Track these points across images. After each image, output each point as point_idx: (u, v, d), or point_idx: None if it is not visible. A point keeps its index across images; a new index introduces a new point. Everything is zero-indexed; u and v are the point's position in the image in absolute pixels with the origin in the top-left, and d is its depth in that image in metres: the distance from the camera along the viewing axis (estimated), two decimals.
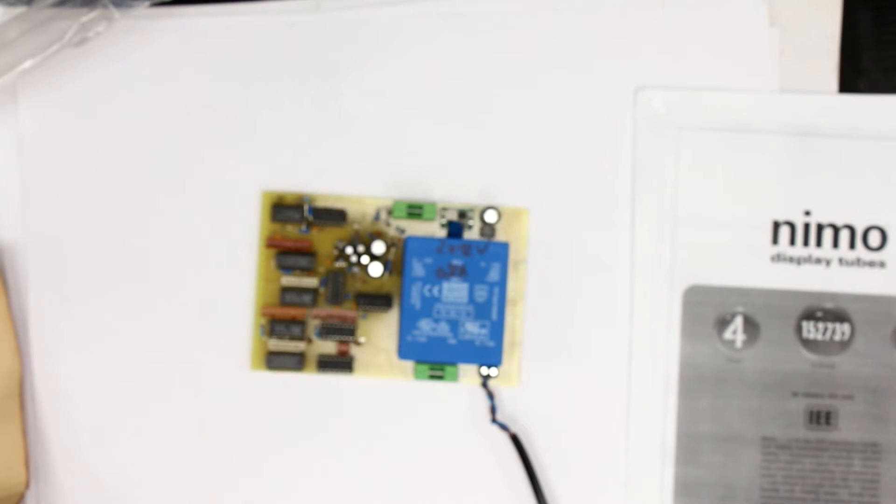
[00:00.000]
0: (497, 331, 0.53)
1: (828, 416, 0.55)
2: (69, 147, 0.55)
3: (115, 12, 0.52)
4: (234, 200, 0.54)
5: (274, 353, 0.54)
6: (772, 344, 0.55)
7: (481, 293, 0.53)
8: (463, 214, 0.55)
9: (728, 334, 0.55)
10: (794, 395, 0.55)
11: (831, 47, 0.55)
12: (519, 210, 0.55)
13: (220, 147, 0.55)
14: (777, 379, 0.55)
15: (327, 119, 0.55)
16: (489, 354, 0.53)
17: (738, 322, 0.55)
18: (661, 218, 0.55)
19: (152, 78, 0.55)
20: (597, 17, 0.55)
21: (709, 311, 0.55)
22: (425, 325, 0.53)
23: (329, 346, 0.54)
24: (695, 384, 0.55)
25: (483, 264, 0.53)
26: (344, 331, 0.54)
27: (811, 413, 0.55)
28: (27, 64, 0.51)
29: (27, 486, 0.54)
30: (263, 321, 0.54)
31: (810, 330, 0.55)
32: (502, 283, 0.53)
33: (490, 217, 0.54)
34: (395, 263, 0.54)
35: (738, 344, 0.55)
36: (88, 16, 0.51)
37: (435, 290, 0.53)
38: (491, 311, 0.53)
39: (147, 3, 0.52)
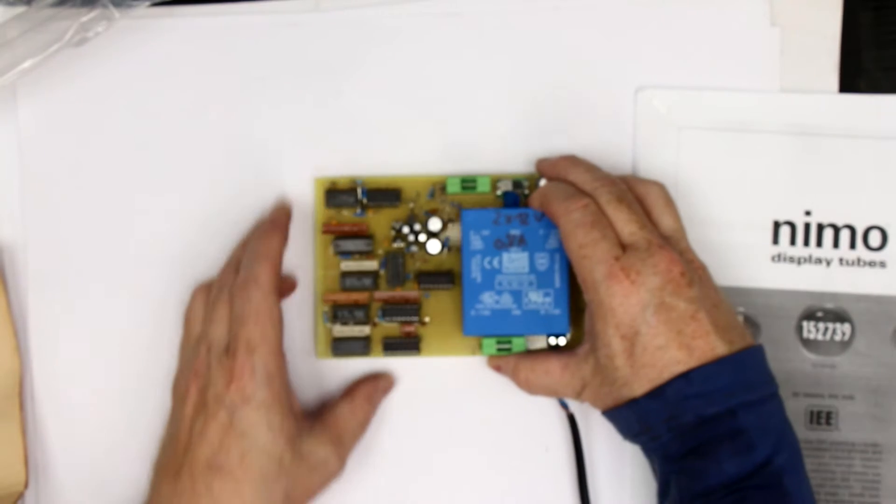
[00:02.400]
0: (562, 298, 0.52)
1: (828, 416, 0.55)
2: (69, 147, 0.55)
3: (115, 12, 0.52)
4: (237, 199, 0.54)
5: (339, 339, 0.53)
6: (772, 344, 0.55)
7: (542, 261, 0.52)
8: (518, 184, 0.54)
9: None
10: (795, 395, 0.55)
11: (832, 47, 0.55)
12: None
13: (220, 146, 0.55)
14: (777, 379, 0.54)
15: (328, 118, 0.55)
16: (555, 323, 0.52)
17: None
18: None
19: (152, 77, 0.54)
20: (597, 17, 0.55)
21: None
22: (488, 298, 0.52)
23: (394, 328, 0.54)
24: None
25: (542, 232, 0.52)
26: (408, 311, 0.53)
27: (812, 413, 0.55)
28: (27, 64, 0.51)
29: (26, 485, 0.54)
30: (326, 308, 0.54)
31: (811, 330, 0.55)
32: (562, 249, 0.51)
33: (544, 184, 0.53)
34: (452, 239, 0.54)
35: None
36: (88, 15, 0.51)
37: (495, 262, 0.52)
38: (554, 278, 0.52)
39: (147, 3, 0.52)
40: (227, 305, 0.49)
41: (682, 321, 0.46)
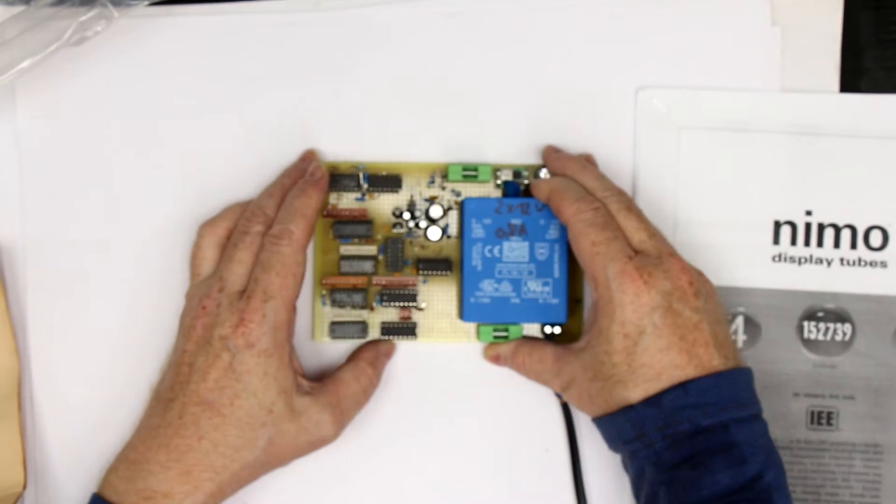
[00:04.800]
0: (560, 288, 0.53)
1: (829, 416, 0.55)
2: (68, 146, 0.54)
3: (114, 11, 0.51)
4: (236, 198, 0.54)
5: (337, 322, 0.54)
6: (773, 344, 0.55)
7: (542, 251, 0.53)
8: (518, 174, 0.54)
9: None
10: (796, 395, 0.55)
11: (833, 46, 0.55)
12: None
13: (220, 145, 0.55)
14: (778, 379, 0.55)
15: (329, 116, 0.55)
16: (553, 312, 0.53)
17: (739, 322, 0.55)
18: (661, 217, 0.54)
19: (151, 76, 0.54)
20: (598, 16, 0.55)
21: None
22: (488, 286, 0.52)
23: (391, 313, 0.54)
24: None
25: (542, 222, 0.53)
26: (405, 297, 0.54)
27: (812, 413, 0.55)
28: (26, 63, 0.51)
29: (25, 486, 0.53)
30: (324, 291, 0.54)
31: (811, 330, 0.55)
32: (562, 240, 0.52)
33: (545, 175, 0.54)
34: (452, 226, 0.54)
35: (739, 344, 0.55)
36: (87, 15, 0.51)
37: (495, 251, 0.52)
38: (553, 268, 0.53)
39: (146, 2, 0.52)
40: (250, 250, 0.50)
41: (686, 328, 0.47)
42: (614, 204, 0.50)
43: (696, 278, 0.48)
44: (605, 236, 0.48)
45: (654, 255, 0.48)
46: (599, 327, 0.48)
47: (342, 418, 0.51)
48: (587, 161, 0.54)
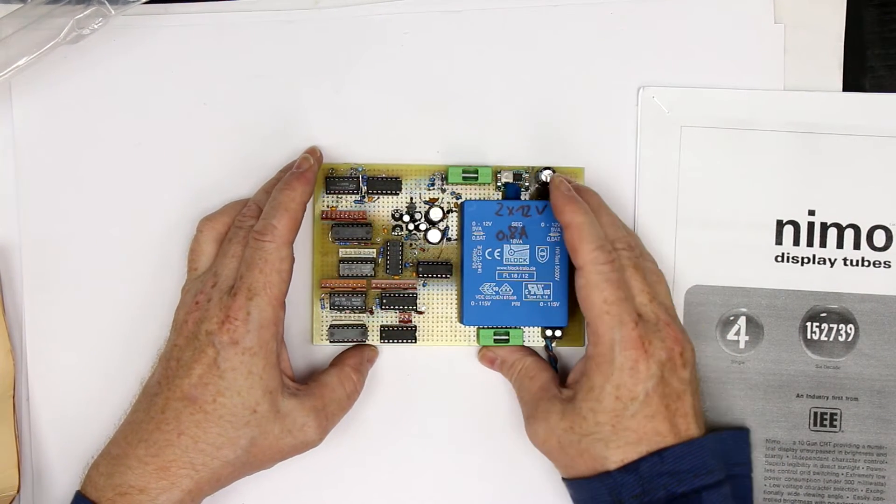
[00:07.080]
0: (561, 291, 0.52)
1: (832, 417, 0.55)
2: (65, 145, 0.54)
3: (111, 9, 0.51)
4: (234, 196, 0.54)
5: (336, 325, 0.54)
6: (775, 345, 0.55)
7: (543, 254, 0.52)
8: (518, 176, 0.54)
9: (731, 335, 0.55)
10: (799, 396, 0.55)
11: (836, 45, 0.55)
12: (575, 170, 0.54)
13: (217, 143, 0.54)
14: (781, 380, 0.55)
15: (328, 115, 0.54)
16: (554, 315, 0.52)
17: (742, 323, 0.55)
18: (662, 217, 0.54)
19: (148, 74, 0.54)
20: (599, 14, 0.55)
21: (712, 311, 0.55)
22: (488, 289, 0.52)
23: (391, 317, 0.54)
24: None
25: (543, 225, 0.52)
26: (405, 300, 0.54)
27: (815, 415, 0.55)
28: (22, 61, 0.50)
29: (19, 489, 0.53)
30: (323, 294, 0.54)
31: (814, 331, 0.55)
32: (563, 242, 0.51)
33: (546, 177, 0.53)
34: (452, 229, 0.54)
35: (742, 345, 0.55)
36: (84, 12, 0.51)
37: (496, 253, 0.52)
38: (554, 271, 0.52)
39: (142, 0, 0.52)
40: (242, 245, 0.49)
41: (671, 397, 0.48)
42: (623, 260, 0.49)
43: (686, 347, 0.49)
44: (617, 296, 0.48)
45: (653, 322, 0.49)
46: (591, 384, 0.48)
47: (326, 423, 0.50)
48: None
